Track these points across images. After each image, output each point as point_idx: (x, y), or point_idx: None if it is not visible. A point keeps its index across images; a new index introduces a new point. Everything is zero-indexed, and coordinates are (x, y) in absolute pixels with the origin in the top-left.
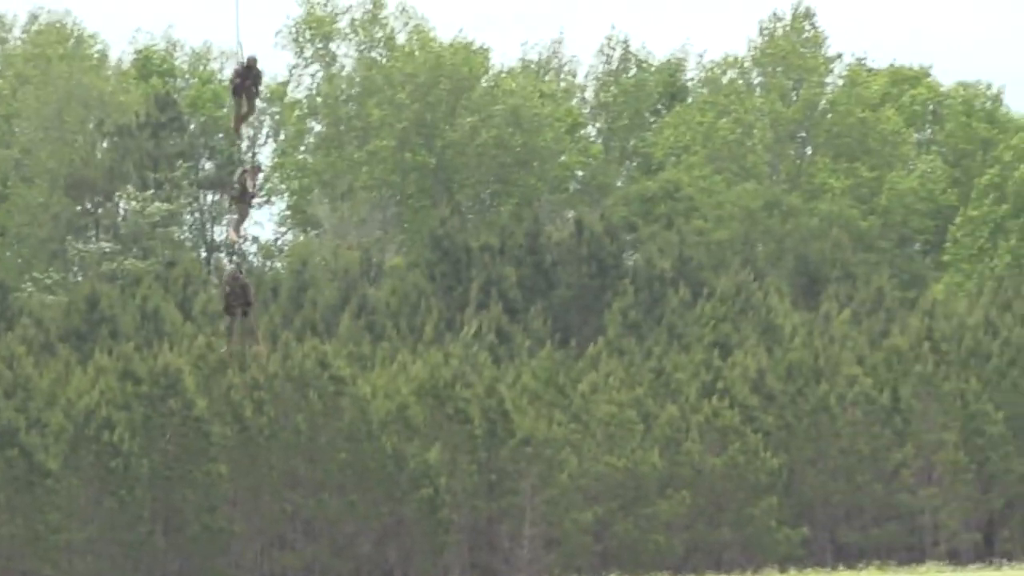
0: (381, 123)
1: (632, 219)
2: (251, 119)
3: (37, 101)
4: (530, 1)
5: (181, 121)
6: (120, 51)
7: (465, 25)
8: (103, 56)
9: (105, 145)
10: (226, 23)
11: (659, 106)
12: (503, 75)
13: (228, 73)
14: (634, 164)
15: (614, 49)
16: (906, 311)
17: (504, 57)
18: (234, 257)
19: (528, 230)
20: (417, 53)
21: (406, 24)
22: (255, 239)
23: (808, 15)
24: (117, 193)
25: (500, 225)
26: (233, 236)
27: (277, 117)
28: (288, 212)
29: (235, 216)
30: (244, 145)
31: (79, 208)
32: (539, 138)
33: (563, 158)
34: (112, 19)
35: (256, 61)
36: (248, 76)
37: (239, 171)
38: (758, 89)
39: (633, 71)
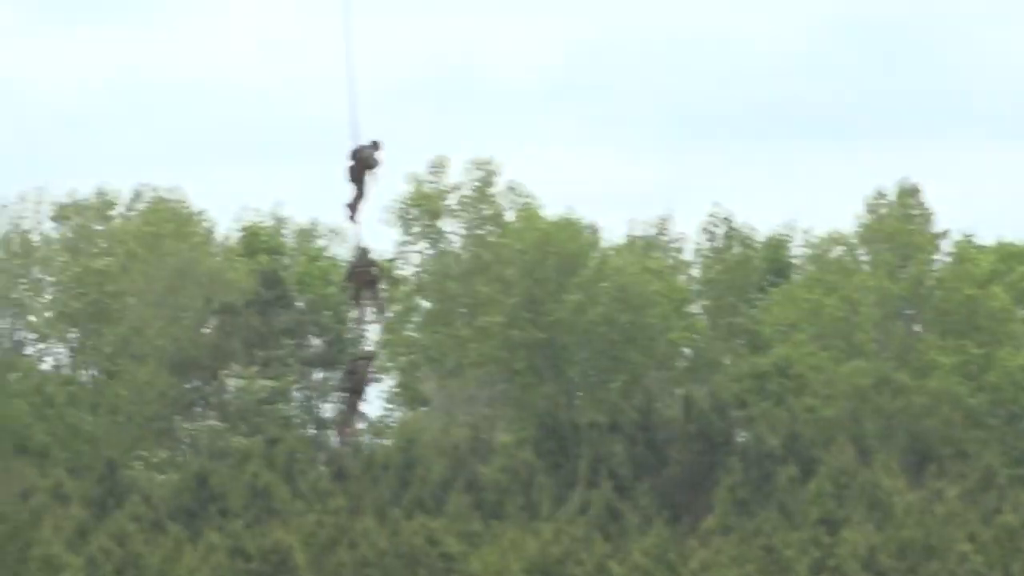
0: (489, 300)
1: (741, 396)
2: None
3: (146, 279)
4: (636, 178)
5: (288, 298)
6: (227, 228)
7: (573, 201)
8: (210, 233)
9: (213, 322)
10: (333, 201)
11: (765, 283)
12: (611, 252)
13: (336, 250)
14: (740, 341)
15: (718, 226)
16: (1017, 488)
17: (611, 233)
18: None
19: (637, 407)
20: (525, 231)
21: (514, 201)
22: (364, 416)
23: (914, 191)
24: (223, 371)
25: (609, 402)
26: (346, 432)
27: (385, 294)
28: (397, 389)
29: (346, 409)
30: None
31: (187, 386)
32: (647, 315)
33: (670, 335)
34: (219, 196)
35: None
36: (360, 163)
37: (352, 362)
38: (865, 266)
39: (738, 248)
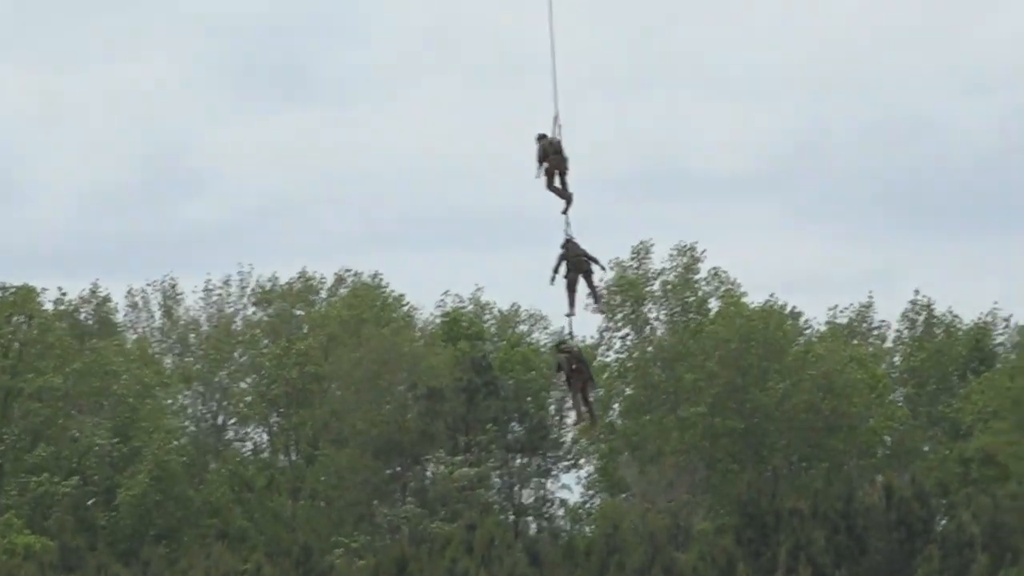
0: (693, 388)
1: (943, 483)
2: None
3: (349, 363)
4: (838, 264)
5: (495, 385)
6: (428, 313)
7: (775, 286)
8: (411, 318)
9: (417, 408)
10: (533, 285)
11: (966, 371)
12: (813, 340)
13: (537, 336)
14: (941, 429)
15: (920, 314)
16: None
17: (813, 320)
18: (567, 336)
19: (838, 494)
20: (729, 318)
21: (718, 288)
22: (563, 502)
23: None
24: (426, 456)
25: (810, 489)
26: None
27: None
28: (596, 475)
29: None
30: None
31: (388, 471)
32: (849, 403)
33: (872, 423)
34: (419, 280)
35: (544, 137)
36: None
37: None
38: None
39: (939, 336)
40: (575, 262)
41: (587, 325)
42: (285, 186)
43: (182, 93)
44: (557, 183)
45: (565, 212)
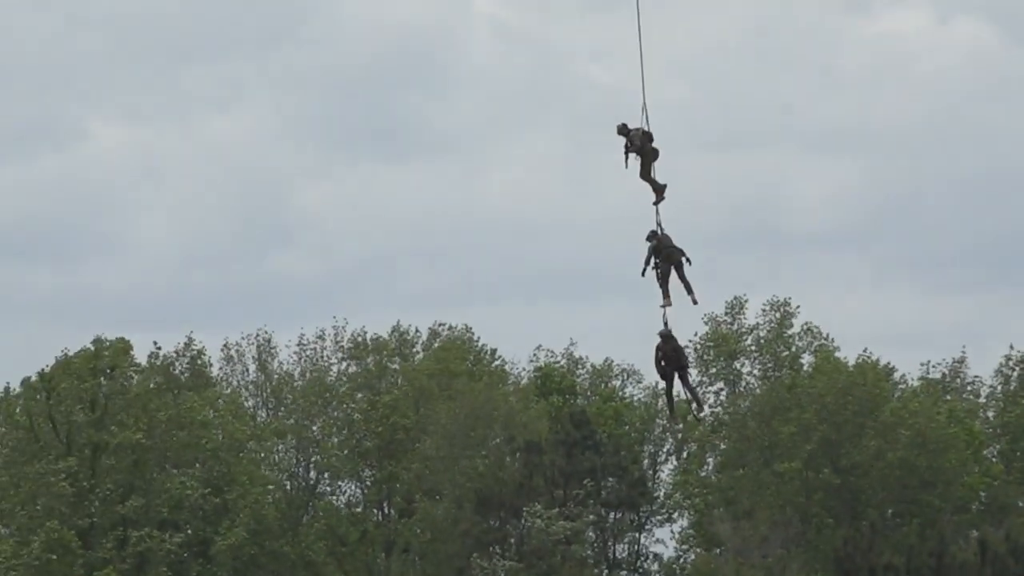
0: (789, 442)
1: None
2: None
3: (443, 417)
4: (930, 319)
5: (594, 439)
6: (522, 368)
7: (868, 340)
8: (504, 372)
9: (516, 461)
10: (626, 339)
11: None
12: (907, 395)
13: (630, 391)
14: None
15: (1014, 369)
16: None
17: (907, 375)
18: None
19: (932, 550)
20: (823, 374)
21: (811, 343)
22: (656, 556)
23: None
24: (525, 509)
25: (905, 544)
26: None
27: (680, 435)
28: (690, 530)
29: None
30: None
31: (485, 525)
32: (943, 459)
33: (967, 479)
34: (512, 336)
35: (626, 128)
36: (633, 142)
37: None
38: None
39: None
40: (666, 254)
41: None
42: (381, 240)
43: (279, 147)
44: (653, 174)
45: (656, 203)
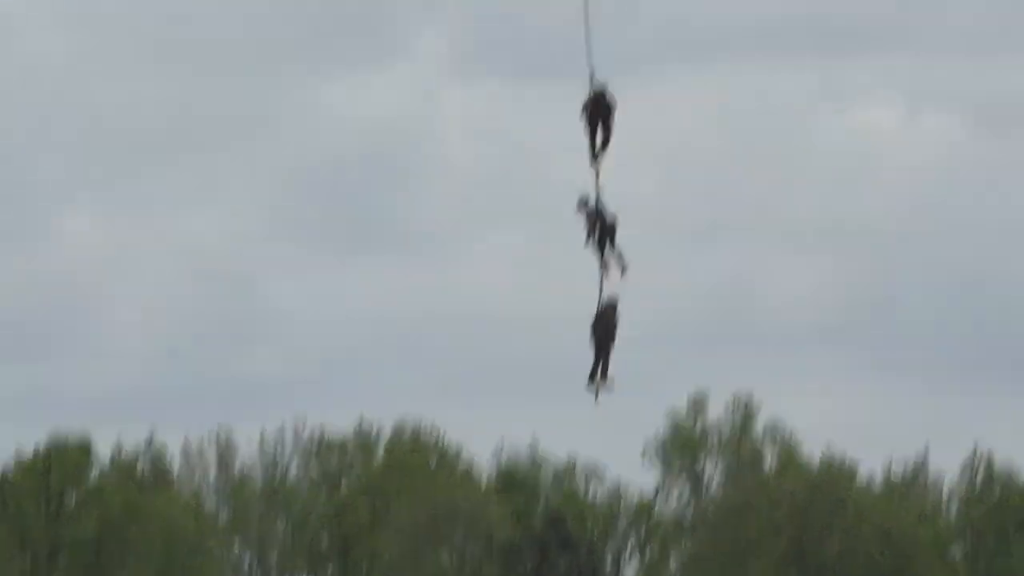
0: (757, 543)
1: None
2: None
3: (404, 514)
4: (896, 416)
5: (570, 540)
6: (485, 465)
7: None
8: (468, 470)
9: (488, 564)
10: (591, 439)
11: None
12: (871, 493)
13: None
14: None
15: (979, 468)
16: None
17: (871, 472)
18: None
19: None
20: (789, 474)
21: (775, 440)
22: None
23: None
24: None
25: None
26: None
27: (643, 534)
28: None
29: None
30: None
31: None
32: (909, 560)
33: None
34: (476, 431)
35: (606, 88)
36: (600, 106)
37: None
38: None
39: (998, 490)
40: (603, 224)
41: (644, 477)
42: (345, 336)
43: (247, 242)
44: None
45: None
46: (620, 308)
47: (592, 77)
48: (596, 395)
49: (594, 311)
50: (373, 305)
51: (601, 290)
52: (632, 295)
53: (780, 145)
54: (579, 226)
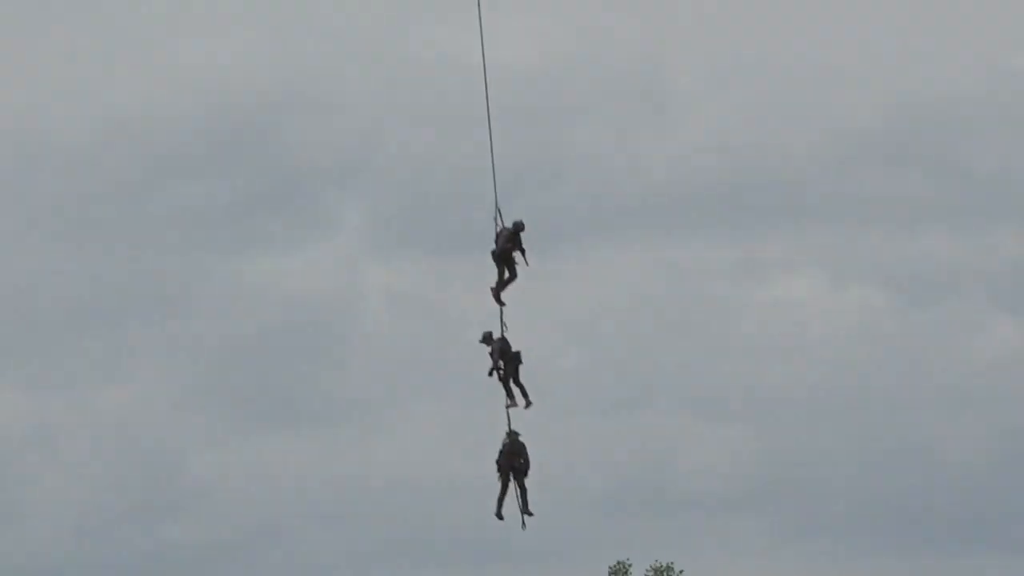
0: None
1: None
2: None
3: None
4: None
5: None
6: None
7: None
8: None
9: None
10: None
11: None
12: None
13: None
14: None
15: None
16: None
17: None
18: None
19: None
20: None
21: None
22: None
23: None
24: None
25: None
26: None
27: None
28: None
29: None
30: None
31: None
32: None
33: None
34: None
35: (524, 226)
36: (516, 242)
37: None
38: None
39: None
40: (509, 356)
41: None
42: (267, 507)
43: (170, 416)
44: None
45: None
46: (524, 441)
47: (497, 215)
48: (523, 523)
49: (500, 444)
50: (295, 477)
51: (509, 422)
52: (553, 466)
53: (700, 317)
54: (485, 361)
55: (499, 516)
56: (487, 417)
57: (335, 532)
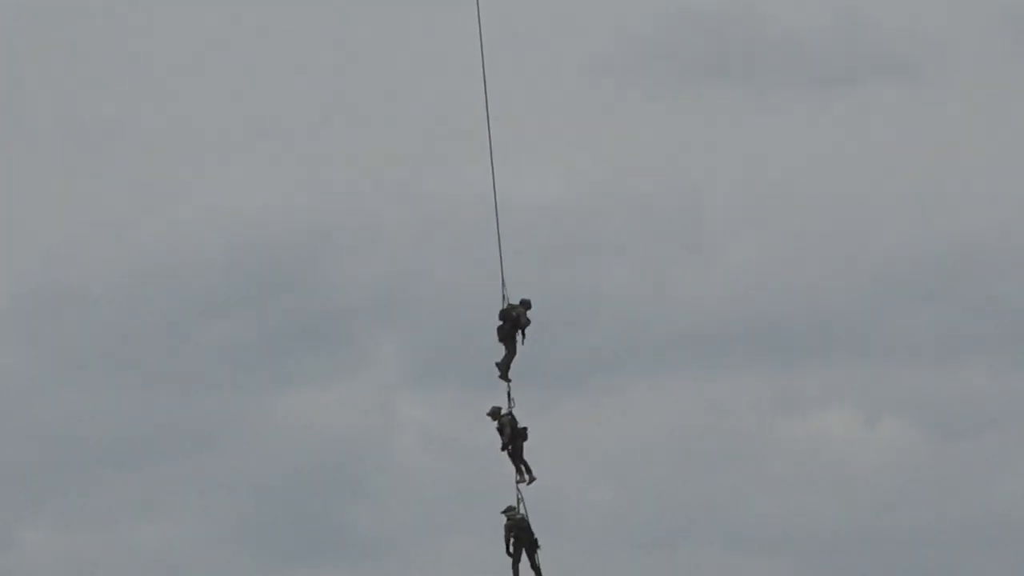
0: None
1: None
2: None
3: None
4: None
5: None
6: None
7: None
8: None
9: None
10: None
11: None
12: None
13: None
14: None
15: None
16: None
17: None
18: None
19: None
20: None
21: None
22: None
23: None
24: None
25: None
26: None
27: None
28: None
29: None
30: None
31: None
32: None
33: None
34: None
35: (525, 306)
36: (514, 323)
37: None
38: None
39: None
40: (515, 429)
41: None
42: None
43: (205, 553)
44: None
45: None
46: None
47: (504, 296)
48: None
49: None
50: None
51: (518, 495)
52: None
53: (736, 453)
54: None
55: None
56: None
57: None
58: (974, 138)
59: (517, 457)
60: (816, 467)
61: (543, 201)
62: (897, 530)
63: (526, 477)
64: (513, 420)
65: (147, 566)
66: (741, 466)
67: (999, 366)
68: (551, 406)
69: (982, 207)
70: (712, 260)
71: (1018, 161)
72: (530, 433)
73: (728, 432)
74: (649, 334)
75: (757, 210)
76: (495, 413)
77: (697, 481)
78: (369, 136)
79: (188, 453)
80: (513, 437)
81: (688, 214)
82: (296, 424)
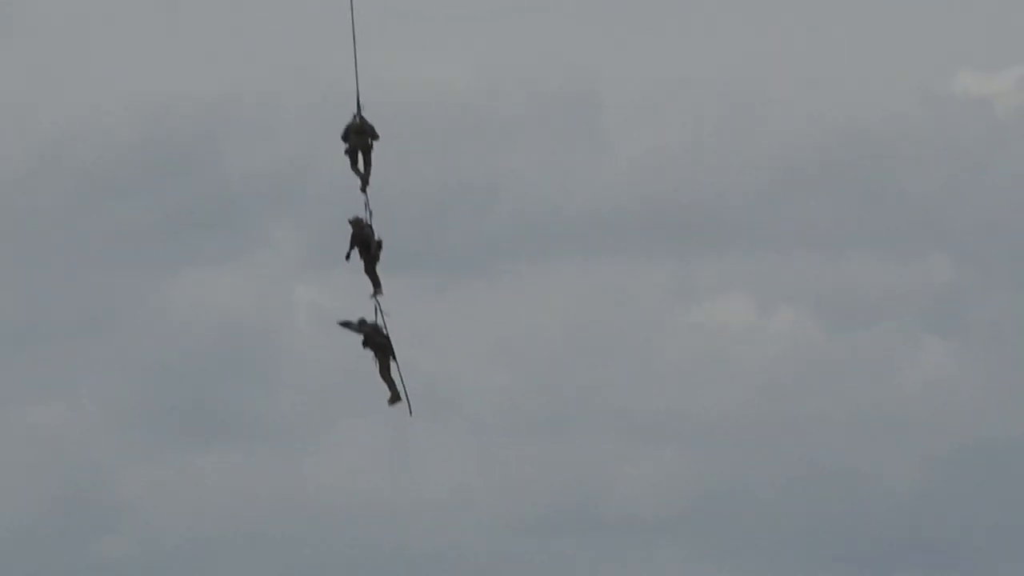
0: None
1: None
2: None
3: None
4: None
5: None
6: None
7: None
8: None
9: None
10: None
11: None
12: None
13: None
14: None
15: None
16: None
17: None
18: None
19: None
20: None
21: None
22: None
23: None
24: None
25: None
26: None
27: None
28: None
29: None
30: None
31: None
32: None
33: None
34: None
35: (366, 122)
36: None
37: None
38: None
39: None
40: (365, 241)
41: None
42: (201, 525)
43: (98, 435)
44: (360, 166)
45: (363, 190)
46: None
47: (359, 109)
48: (410, 411)
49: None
50: (223, 495)
51: (377, 308)
52: (477, 491)
53: (630, 339)
54: (348, 247)
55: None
56: (416, 438)
57: (264, 551)
58: (868, 26)
59: (371, 269)
60: (709, 354)
61: (441, 85)
62: (788, 417)
63: (381, 289)
64: (369, 231)
65: (40, 448)
66: (635, 352)
67: (892, 255)
68: (446, 291)
69: (876, 96)
70: (608, 147)
71: (911, 49)
72: (425, 318)
73: (622, 319)
74: (545, 220)
75: (654, 98)
76: (357, 221)
77: (590, 367)
78: (270, 20)
79: (81, 334)
80: (367, 250)
81: (586, 100)
82: (192, 306)
